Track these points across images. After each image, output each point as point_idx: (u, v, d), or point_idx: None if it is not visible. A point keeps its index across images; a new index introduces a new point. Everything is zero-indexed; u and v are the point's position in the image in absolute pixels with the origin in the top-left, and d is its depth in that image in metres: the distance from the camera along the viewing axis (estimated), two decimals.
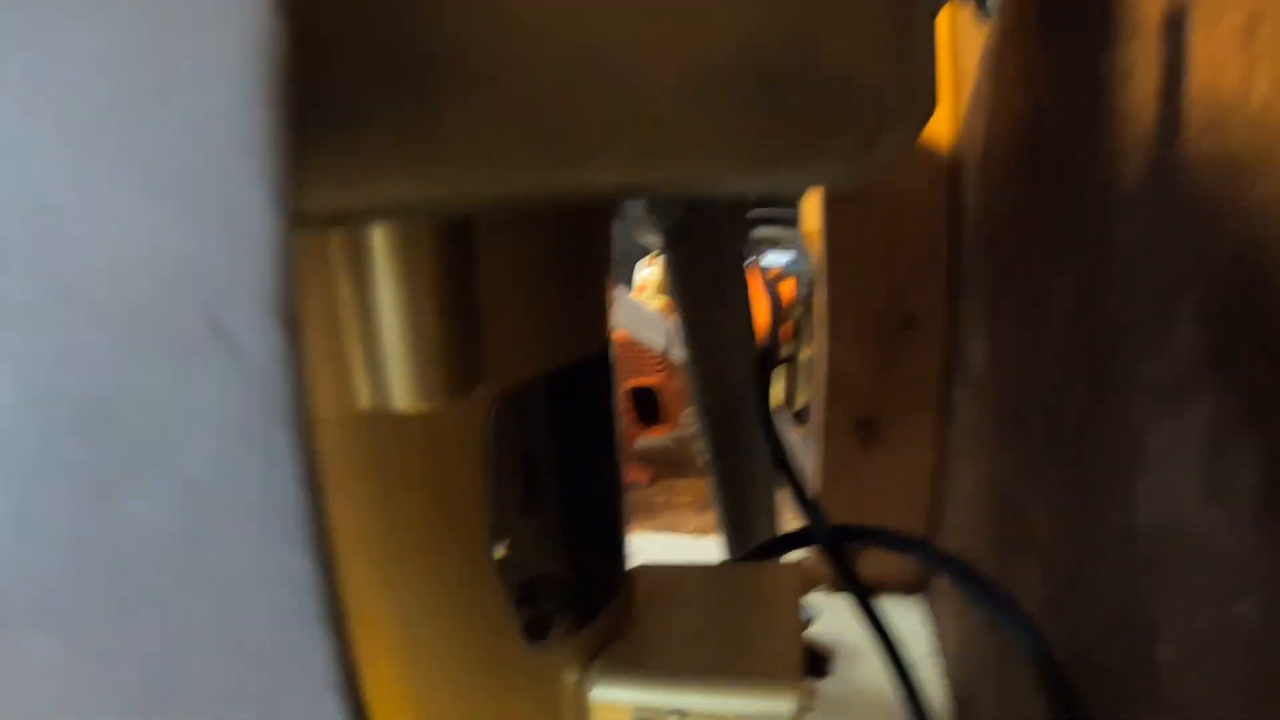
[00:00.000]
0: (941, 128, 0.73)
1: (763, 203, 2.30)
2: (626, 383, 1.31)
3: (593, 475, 0.33)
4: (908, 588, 0.88)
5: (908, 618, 0.85)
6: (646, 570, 0.40)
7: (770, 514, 0.63)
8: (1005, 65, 0.58)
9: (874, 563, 0.88)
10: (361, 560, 0.28)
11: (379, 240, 0.23)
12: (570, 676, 0.33)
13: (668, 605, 0.37)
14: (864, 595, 0.42)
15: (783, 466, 0.46)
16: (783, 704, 0.30)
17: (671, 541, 1.11)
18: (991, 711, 0.57)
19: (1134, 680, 0.33)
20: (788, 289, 1.53)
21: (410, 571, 0.29)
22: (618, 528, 0.36)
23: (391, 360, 0.24)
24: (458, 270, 0.25)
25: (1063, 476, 0.43)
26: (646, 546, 1.10)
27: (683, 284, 0.57)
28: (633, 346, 1.27)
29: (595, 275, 0.33)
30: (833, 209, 0.77)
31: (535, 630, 0.31)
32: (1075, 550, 0.41)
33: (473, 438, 0.28)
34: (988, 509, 0.60)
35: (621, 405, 1.33)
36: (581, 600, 0.33)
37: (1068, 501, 0.42)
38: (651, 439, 1.48)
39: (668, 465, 1.44)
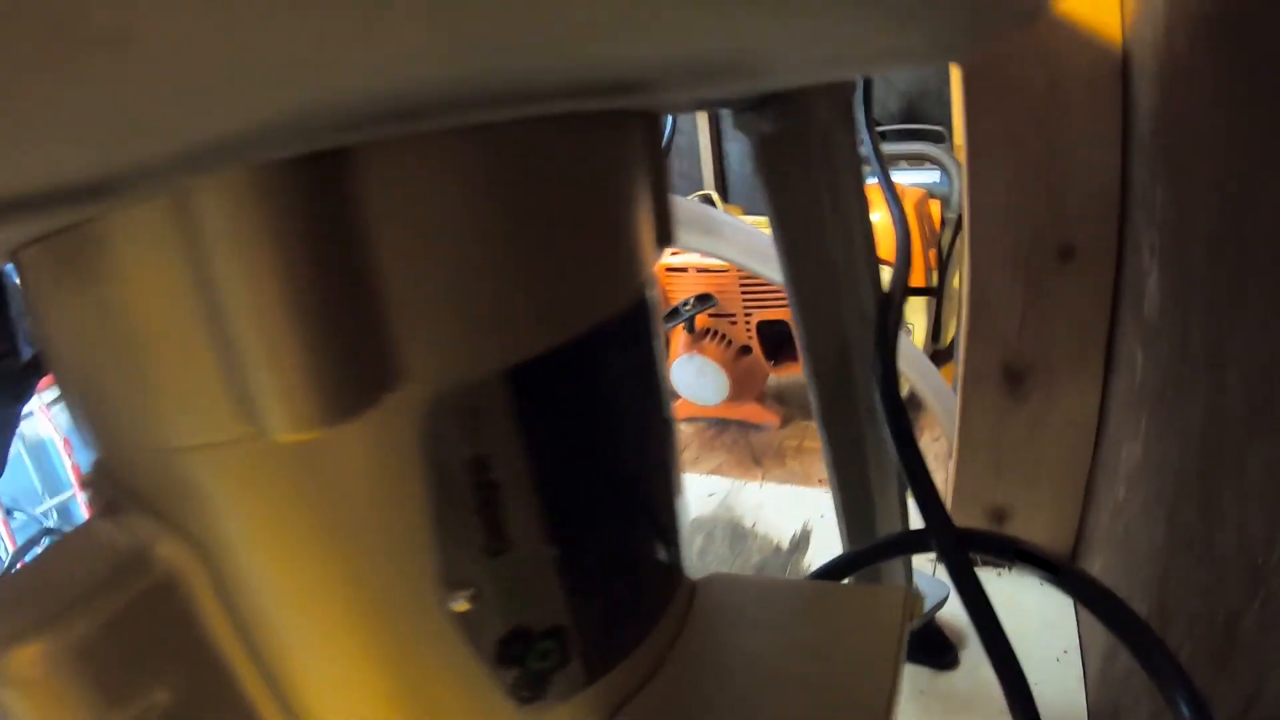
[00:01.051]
0: (1108, 10, 0.59)
1: (906, 116, 2.14)
2: (755, 316, 1.21)
3: (608, 489, 0.24)
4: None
5: (1048, 602, 0.74)
6: (714, 584, 0.32)
7: (898, 498, 0.53)
8: None
9: (1016, 532, 0.77)
10: (317, 615, 0.21)
11: (207, 199, 0.15)
12: None
13: (728, 639, 0.29)
14: (988, 616, 0.32)
15: (903, 447, 0.36)
16: None
17: (797, 493, 1.02)
18: None
19: None
20: (934, 211, 1.39)
21: (361, 632, 0.21)
22: (656, 546, 0.27)
23: (250, 372, 0.17)
24: (325, 229, 0.17)
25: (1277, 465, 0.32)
26: (770, 498, 1.02)
27: (781, 209, 0.46)
28: (757, 277, 1.17)
29: (601, 213, 0.23)
30: (975, 112, 0.64)
31: (527, 691, 0.23)
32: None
33: (401, 463, 0.20)
34: (1161, 492, 0.48)
35: (751, 343, 1.24)
36: (594, 649, 0.24)
37: None
38: (784, 376, 1.39)
39: (801, 406, 1.34)
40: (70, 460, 2.05)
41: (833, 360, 0.50)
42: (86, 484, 0.22)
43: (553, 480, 0.22)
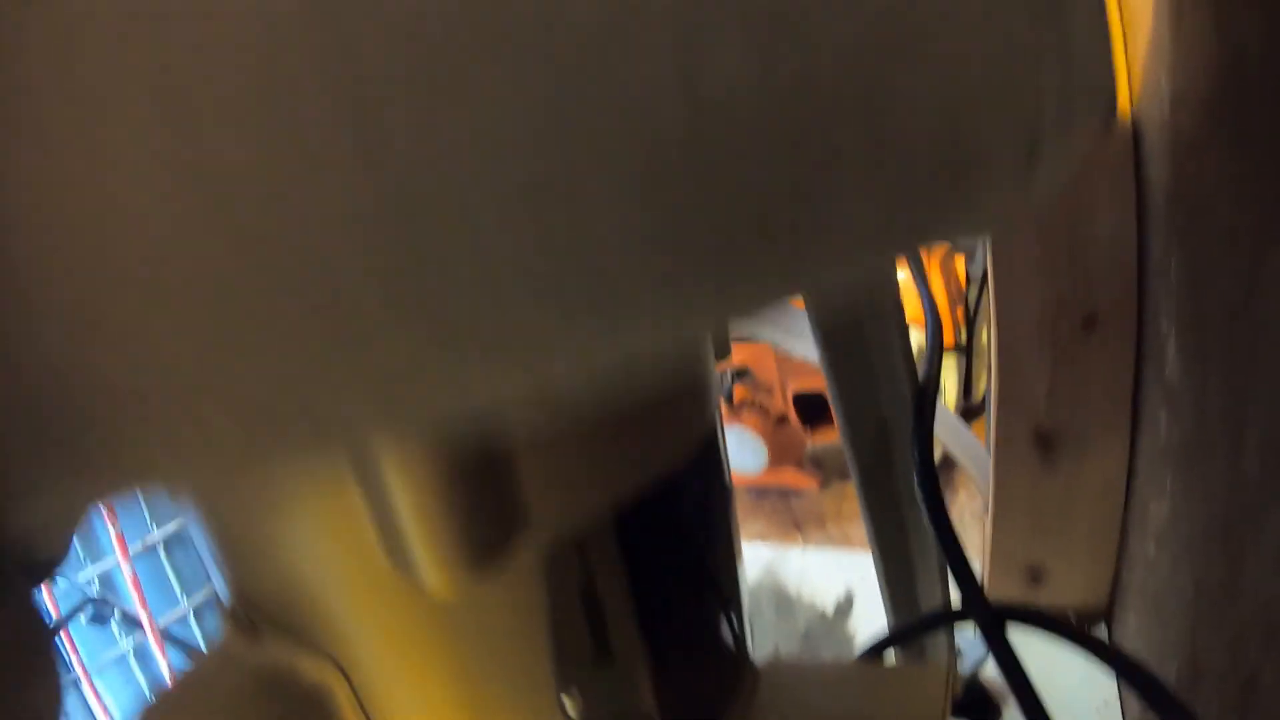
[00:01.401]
0: (1117, 86, 0.63)
1: None
2: (790, 387, 1.24)
3: (691, 600, 0.28)
4: (1090, 617, 0.77)
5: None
6: (773, 671, 0.34)
7: (938, 566, 0.56)
8: (1191, 2, 0.47)
9: (1053, 590, 0.78)
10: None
11: None
12: None
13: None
14: (1026, 686, 0.35)
15: (940, 531, 0.39)
16: None
17: (839, 558, 1.04)
18: None
19: None
20: (958, 268, 1.42)
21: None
22: (730, 641, 0.30)
23: (406, 537, 0.20)
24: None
25: None
26: (813, 563, 1.03)
27: (818, 304, 0.50)
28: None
29: (691, 367, 0.26)
30: None
31: None
32: None
33: (525, 593, 0.23)
34: (1188, 549, 0.50)
35: (787, 412, 1.27)
36: None
37: None
38: (822, 443, 1.40)
39: (838, 470, 1.36)
40: (113, 528, 2.08)
41: (872, 439, 0.52)
42: (227, 613, 0.25)
43: (648, 593, 0.25)
